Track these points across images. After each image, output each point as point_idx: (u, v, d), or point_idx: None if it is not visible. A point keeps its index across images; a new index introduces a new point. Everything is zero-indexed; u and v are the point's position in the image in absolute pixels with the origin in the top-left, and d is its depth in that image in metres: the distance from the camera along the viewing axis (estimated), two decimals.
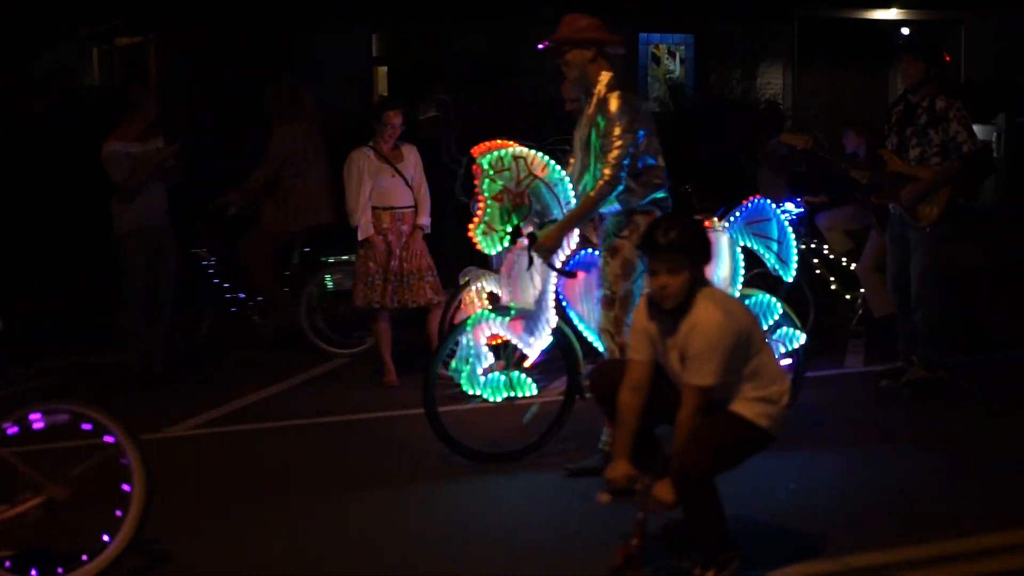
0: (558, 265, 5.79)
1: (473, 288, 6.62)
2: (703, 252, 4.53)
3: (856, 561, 4.74)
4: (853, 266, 8.76)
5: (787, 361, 6.31)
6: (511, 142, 5.82)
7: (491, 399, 6.02)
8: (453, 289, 7.47)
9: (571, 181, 5.84)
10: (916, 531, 5.07)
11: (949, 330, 7.50)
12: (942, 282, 7.20)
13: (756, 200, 6.30)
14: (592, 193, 5.64)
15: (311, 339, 8.79)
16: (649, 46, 18.83)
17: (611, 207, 5.70)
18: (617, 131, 5.61)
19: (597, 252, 5.85)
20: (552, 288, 5.89)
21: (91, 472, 4.54)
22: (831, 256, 8.93)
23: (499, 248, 5.81)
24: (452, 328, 6.26)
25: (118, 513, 4.56)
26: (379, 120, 7.78)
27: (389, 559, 4.90)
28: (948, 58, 7.34)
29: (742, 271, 6.21)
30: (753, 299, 6.18)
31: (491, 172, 5.71)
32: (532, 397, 6.12)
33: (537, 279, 5.86)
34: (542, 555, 4.87)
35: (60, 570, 4.48)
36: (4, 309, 6.66)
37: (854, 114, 12.39)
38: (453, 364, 6.01)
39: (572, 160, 5.95)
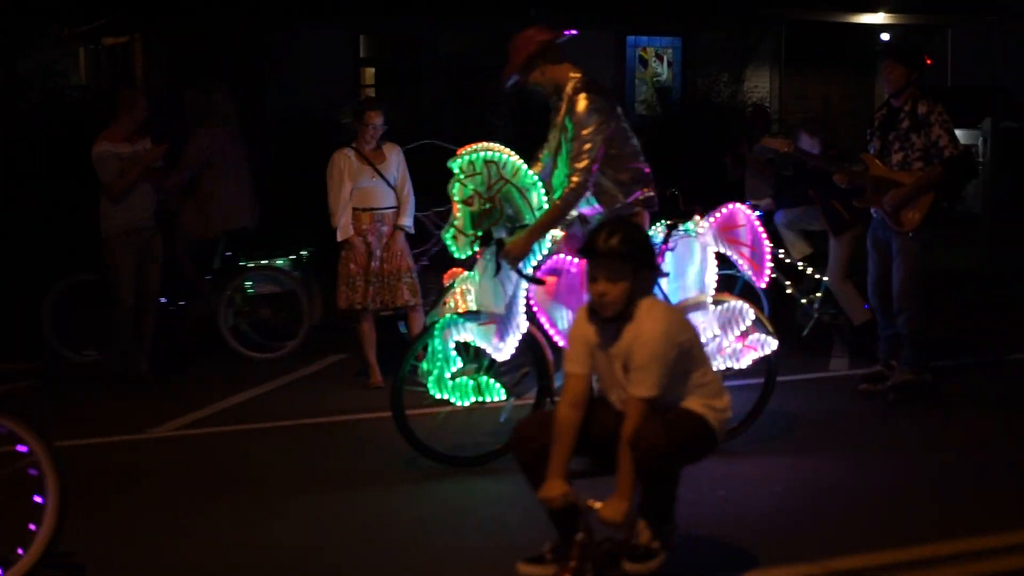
0: (528, 272, 5.73)
1: (458, 289, 6.58)
2: (646, 261, 4.35)
3: (839, 564, 4.74)
4: (810, 270, 8.71)
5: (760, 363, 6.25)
6: (494, 145, 5.77)
7: (459, 403, 5.96)
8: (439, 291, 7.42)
9: (542, 183, 5.79)
10: (899, 533, 5.08)
11: (932, 333, 7.51)
12: (925, 286, 7.20)
13: (730, 206, 6.24)
14: (558, 201, 5.63)
15: (231, 344, 8.70)
16: (637, 49, 18.87)
17: (593, 208, 5.67)
18: (585, 133, 5.60)
19: (573, 259, 5.76)
20: (522, 293, 5.81)
21: (3, 483, 4.36)
22: (787, 260, 8.78)
23: (469, 252, 5.77)
24: (421, 331, 6.21)
25: (31, 527, 4.38)
26: (360, 120, 7.75)
27: (373, 559, 4.89)
28: (929, 61, 7.35)
29: (715, 276, 6.16)
30: (725, 305, 6.08)
31: (462, 176, 5.68)
32: (501, 401, 6.06)
33: (508, 284, 5.80)
34: (521, 556, 4.86)
35: None
36: None
37: (839, 119, 12.41)
38: (422, 366, 5.93)
39: (540, 156, 5.92)
